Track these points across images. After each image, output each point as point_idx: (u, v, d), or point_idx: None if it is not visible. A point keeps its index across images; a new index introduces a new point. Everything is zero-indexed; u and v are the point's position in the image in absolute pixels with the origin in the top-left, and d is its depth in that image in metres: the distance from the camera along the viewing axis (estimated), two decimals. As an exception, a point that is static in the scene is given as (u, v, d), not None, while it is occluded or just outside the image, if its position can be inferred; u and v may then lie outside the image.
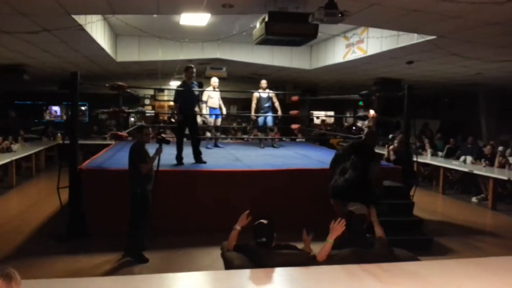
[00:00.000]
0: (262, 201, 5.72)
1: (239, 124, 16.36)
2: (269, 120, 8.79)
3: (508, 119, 13.34)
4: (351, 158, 4.84)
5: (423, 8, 4.78)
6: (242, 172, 6.13)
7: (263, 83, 8.64)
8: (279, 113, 8.87)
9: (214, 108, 8.32)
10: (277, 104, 8.73)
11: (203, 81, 12.66)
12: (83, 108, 15.74)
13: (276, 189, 6.00)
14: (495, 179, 7.85)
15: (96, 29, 6.97)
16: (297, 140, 11.61)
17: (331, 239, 3.07)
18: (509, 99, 13.43)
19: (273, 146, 9.08)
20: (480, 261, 3.15)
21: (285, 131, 11.78)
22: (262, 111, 8.57)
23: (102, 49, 7.70)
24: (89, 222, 5.43)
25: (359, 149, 4.96)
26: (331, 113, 19.53)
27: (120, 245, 4.90)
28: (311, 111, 12.48)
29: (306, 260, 3.03)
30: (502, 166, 8.41)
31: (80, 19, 5.91)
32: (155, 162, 4.97)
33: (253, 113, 8.71)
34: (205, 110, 8.18)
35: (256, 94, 8.62)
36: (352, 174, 4.72)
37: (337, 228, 3.10)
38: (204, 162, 6.48)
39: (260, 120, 8.75)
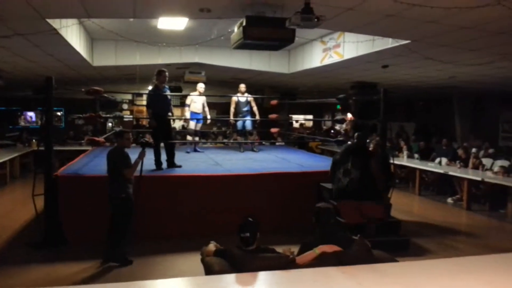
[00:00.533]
0: (243, 205, 5.74)
1: (219, 128, 16.33)
2: (248, 124, 8.83)
3: (481, 121, 13.75)
4: (350, 160, 5.10)
5: (397, 13, 4.88)
6: (223, 177, 6.13)
7: (242, 87, 8.68)
8: (257, 117, 8.90)
9: (196, 113, 8.33)
10: (255, 108, 8.77)
11: (182, 86, 12.64)
12: (58, 113, 15.45)
13: (257, 193, 6.03)
14: (469, 180, 8.05)
15: (72, 33, 6.86)
16: (277, 143, 11.66)
17: (319, 251, 3.10)
18: (482, 102, 13.85)
19: (252, 150, 9.11)
20: (456, 261, 3.21)
21: (264, 135, 11.81)
22: (240, 115, 8.59)
23: (78, 53, 7.58)
24: (66, 229, 5.32)
25: (355, 150, 5.25)
26: (310, 116, 19.73)
27: (98, 252, 4.82)
28: (290, 115, 12.56)
29: (285, 263, 3.04)
30: (476, 167, 8.64)
31: (55, 23, 5.81)
32: (138, 167, 4.95)
33: (232, 117, 8.72)
34: (187, 114, 8.17)
35: (234, 98, 8.64)
36: (356, 173, 4.99)
37: (331, 249, 3.11)
38: (179, 166, 6.45)
39: (239, 124, 8.77)
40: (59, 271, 4.56)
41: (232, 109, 8.66)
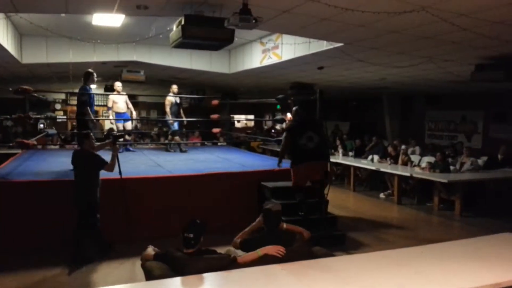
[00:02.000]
0: (184, 206, 5.69)
1: (160, 129, 16.00)
2: (176, 125, 8.78)
3: (409, 120, 14.65)
4: (309, 129, 5.71)
5: (330, 17, 5.08)
6: (165, 178, 6.02)
7: (174, 87, 8.73)
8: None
9: (120, 113, 8.18)
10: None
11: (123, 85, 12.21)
12: (-17, 114, 14.31)
13: (199, 193, 6.00)
14: (399, 176, 8.56)
15: (-3, 28, 6.42)
16: (219, 144, 11.67)
17: (262, 252, 3.14)
18: (409, 102, 14.77)
19: (181, 151, 9.04)
20: (389, 253, 3.41)
21: (206, 135, 11.77)
22: (173, 115, 8.52)
23: (5, 49, 7.08)
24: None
25: (309, 122, 5.90)
26: (251, 116, 19.91)
27: (32, 260, 4.56)
28: (232, 115, 12.61)
29: (227, 263, 3.07)
30: (405, 163, 9.20)
31: (-23, 17, 5.42)
32: (116, 167, 5.03)
33: (169, 118, 8.61)
34: (110, 116, 7.96)
35: (171, 99, 8.55)
36: (317, 138, 5.68)
37: (273, 250, 3.14)
38: None
39: (176, 124, 8.66)
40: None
41: (167, 110, 8.58)
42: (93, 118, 6.66)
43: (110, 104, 8.16)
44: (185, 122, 6.80)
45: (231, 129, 12.68)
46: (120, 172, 5.15)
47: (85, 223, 4.76)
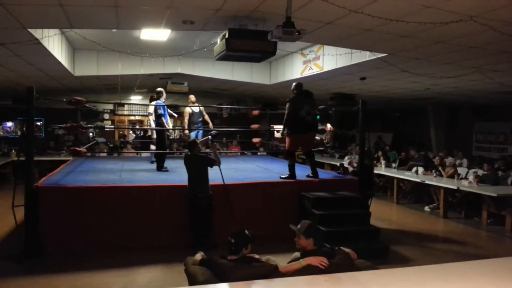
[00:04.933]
0: (224, 213, 5.77)
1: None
2: (201, 134, 8.87)
3: (455, 132, 14.16)
4: (307, 103, 6.42)
5: (374, 28, 5.07)
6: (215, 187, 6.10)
7: (192, 97, 8.76)
8: (211, 125, 8.89)
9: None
10: (206, 117, 8.81)
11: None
12: (38, 123, 15.19)
13: (240, 202, 6.06)
14: (445, 189, 8.29)
15: (53, 43, 6.84)
16: (258, 153, 11.75)
17: (304, 263, 3.13)
18: (456, 113, 14.29)
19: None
20: (435, 267, 3.30)
21: (247, 144, 11.90)
22: (196, 125, 8.63)
23: (59, 63, 7.54)
24: (46, 241, 5.26)
25: (306, 95, 6.54)
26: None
27: (78, 264, 4.78)
28: (272, 125, 12.67)
29: (269, 272, 3.09)
30: (451, 176, 8.90)
31: (37, 33, 5.80)
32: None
33: (187, 127, 8.76)
34: (152, 124, 8.21)
35: (188, 109, 8.68)
36: (313, 112, 6.50)
37: (316, 261, 3.12)
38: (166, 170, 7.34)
39: (193, 134, 8.76)
40: (39, 284, 4.50)
41: (186, 120, 8.69)
42: (167, 127, 7.72)
43: (151, 111, 8.37)
44: (213, 132, 6.93)
45: (270, 139, 12.76)
46: (222, 179, 5.82)
47: (206, 218, 5.48)
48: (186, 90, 10.60)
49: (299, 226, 3.52)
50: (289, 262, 3.37)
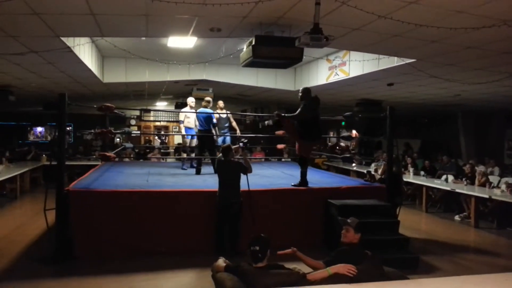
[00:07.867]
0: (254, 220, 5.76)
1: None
2: (228, 140, 8.82)
3: (486, 139, 13.75)
4: (315, 110, 6.35)
5: (402, 33, 4.99)
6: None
7: (220, 103, 8.67)
8: (238, 132, 8.89)
9: (190, 128, 8.35)
10: (234, 123, 8.78)
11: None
12: (68, 128, 15.62)
13: (264, 209, 6.04)
14: (476, 198, 8.04)
15: (84, 51, 7.03)
16: (283, 160, 11.71)
17: (332, 271, 3.11)
18: (487, 119, 13.88)
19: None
20: (466, 278, 3.20)
21: (271, 151, 11.89)
22: (222, 131, 8.56)
23: (90, 70, 7.75)
24: (76, 244, 5.37)
25: (315, 103, 6.40)
26: (316, 133, 19.73)
27: (108, 267, 4.86)
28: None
29: (296, 279, 3.07)
30: (482, 184, 8.63)
31: (69, 41, 5.98)
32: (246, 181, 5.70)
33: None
34: (182, 131, 8.26)
35: (215, 115, 8.65)
36: (319, 121, 6.45)
37: (344, 269, 3.10)
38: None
39: (220, 140, 8.74)
40: (69, 287, 4.59)
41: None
42: (217, 134, 8.08)
43: (181, 118, 8.36)
44: (244, 140, 6.88)
45: (295, 145, 12.73)
46: (248, 185, 5.71)
47: (234, 224, 5.54)
48: (211, 96, 10.68)
49: (349, 220, 3.67)
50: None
